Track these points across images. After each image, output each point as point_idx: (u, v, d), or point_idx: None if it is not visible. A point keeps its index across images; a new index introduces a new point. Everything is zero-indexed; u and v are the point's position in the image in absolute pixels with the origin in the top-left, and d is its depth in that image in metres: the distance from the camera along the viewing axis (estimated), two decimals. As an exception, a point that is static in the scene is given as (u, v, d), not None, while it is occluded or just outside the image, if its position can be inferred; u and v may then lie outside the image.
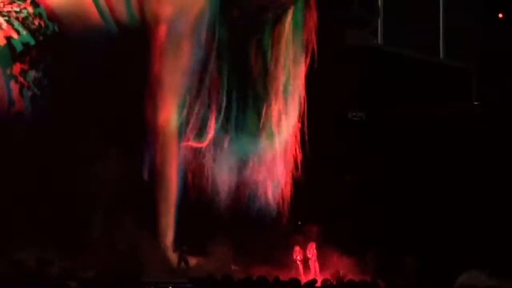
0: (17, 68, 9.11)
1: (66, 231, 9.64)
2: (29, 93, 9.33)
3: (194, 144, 10.18)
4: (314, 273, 10.87)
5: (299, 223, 11.18)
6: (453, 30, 14.05)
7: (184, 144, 10.06)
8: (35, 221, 9.51)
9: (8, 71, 9.07)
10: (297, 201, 10.93)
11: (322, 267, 10.95)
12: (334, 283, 9.89)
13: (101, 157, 9.84)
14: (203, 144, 10.20)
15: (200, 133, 10.23)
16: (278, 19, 10.47)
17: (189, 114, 10.04)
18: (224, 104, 10.34)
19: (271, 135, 10.52)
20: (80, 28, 9.37)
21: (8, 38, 8.81)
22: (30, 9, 9.02)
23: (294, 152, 10.71)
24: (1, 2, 9.01)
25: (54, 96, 9.59)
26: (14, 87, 9.11)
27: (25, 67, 9.15)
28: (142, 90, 9.82)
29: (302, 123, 10.63)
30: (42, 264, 8.98)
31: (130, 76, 9.69)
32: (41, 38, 8.95)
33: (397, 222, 11.98)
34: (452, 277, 10.09)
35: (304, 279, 10.03)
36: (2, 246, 9.27)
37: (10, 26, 8.87)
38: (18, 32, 9.26)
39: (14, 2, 8.96)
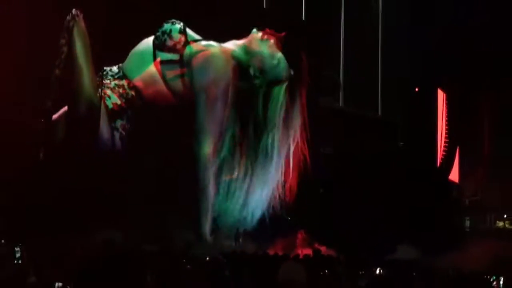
0: (110, 118, 9.12)
1: (144, 219, 9.39)
2: (118, 134, 9.28)
3: (228, 177, 9.95)
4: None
5: (289, 218, 11.03)
6: (387, 95, 14.31)
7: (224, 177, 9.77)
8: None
9: (104, 120, 9.03)
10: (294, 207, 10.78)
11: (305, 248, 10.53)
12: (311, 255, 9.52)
13: (166, 174, 9.78)
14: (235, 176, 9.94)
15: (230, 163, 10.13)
16: (278, 87, 10.09)
17: (222, 150, 9.93)
18: (242, 142, 10.08)
19: (277, 165, 10.18)
20: (150, 94, 9.24)
21: (104, 99, 8.83)
22: (118, 82, 9.11)
23: (292, 172, 10.43)
24: (100, 76, 9.04)
25: (134, 137, 9.54)
26: (108, 130, 9.12)
27: (115, 117, 9.17)
28: (191, 134, 9.78)
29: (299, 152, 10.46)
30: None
31: (183, 125, 9.74)
32: (124, 100, 8.97)
33: (352, 220, 11.79)
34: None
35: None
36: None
37: (105, 92, 8.94)
38: (109, 96, 9.16)
39: (107, 76, 9.08)
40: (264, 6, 12.38)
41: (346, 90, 13.64)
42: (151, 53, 9.48)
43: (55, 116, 8.96)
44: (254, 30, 10.04)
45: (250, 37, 10.04)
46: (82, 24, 8.57)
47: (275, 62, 9.88)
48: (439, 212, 13.21)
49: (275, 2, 12.45)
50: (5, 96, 8.30)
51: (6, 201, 8.14)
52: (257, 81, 9.93)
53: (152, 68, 9.52)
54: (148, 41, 9.69)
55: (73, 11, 8.51)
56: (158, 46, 9.32)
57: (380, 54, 14.36)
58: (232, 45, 10.40)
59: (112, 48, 8.98)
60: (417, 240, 10.50)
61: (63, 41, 8.60)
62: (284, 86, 10.13)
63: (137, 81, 9.50)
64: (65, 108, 8.88)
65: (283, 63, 9.97)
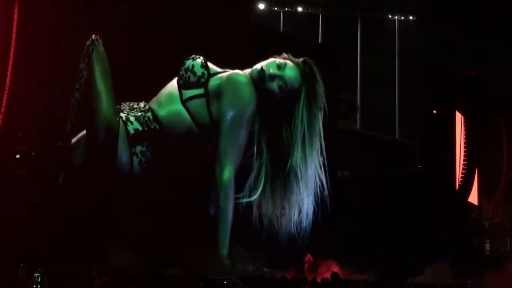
0: (130, 143, 8.85)
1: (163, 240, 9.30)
2: (137, 160, 9.06)
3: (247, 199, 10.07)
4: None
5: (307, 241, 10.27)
6: (405, 118, 14.46)
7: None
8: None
9: (124, 145, 8.87)
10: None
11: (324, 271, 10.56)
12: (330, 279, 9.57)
13: (186, 195, 9.48)
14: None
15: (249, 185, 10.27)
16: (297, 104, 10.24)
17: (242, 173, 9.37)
18: (263, 165, 9.47)
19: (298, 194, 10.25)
20: (177, 130, 9.55)
21: (126, 124, 8.75)
22: (143, 114, 9.23)
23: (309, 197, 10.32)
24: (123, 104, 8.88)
25: (154, 162, 9.12)
26: (127, 155, 8.86)
27: (136, 143, 8.95)
28: (213, 158, 9.34)
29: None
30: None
31: (204, 150, 9.29)
32: (146, 128, 9.21)
33: (368, 240, 11.89)
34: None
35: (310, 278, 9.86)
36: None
37: (127, 118, 9.15)
38: (132, 122, 9.16)
39: (133, 108, 9.16)
40: (281, 30, 12.72)
41: (363, 112, 13.78)
42: (178, 93, 9.58)
43: (74, 140, 9.03)
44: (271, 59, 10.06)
45: (267, 61, 10.05)
46: (102, 49, 8.67)
47: (292, 80, 9.87)
48: (459, 235, 13.13)
49: (292, 26, 12.76)
50: (25, 119, 8.43)
51: (24, 225, 8.21)
52: (274, 84, 9.76)
53: (179, 107, 9.63)
54: (174, 82, 9.81)
55: (93, 36, 8.63)
56: (183, 85, 9.45)
57: (397, 76, 14.43)
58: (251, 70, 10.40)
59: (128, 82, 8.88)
60: (437, 264, 10.45)
61: (83, 65, 8.70)
62: (301, 103, 9.99)
63: (164, 117, 9.51)
64: (84, 132, 8.93)
65: (300, 81, 9.95)
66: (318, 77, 9.96)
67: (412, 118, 14.27)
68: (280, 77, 9.64)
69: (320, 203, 9.87)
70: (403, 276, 9.82)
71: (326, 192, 9.94)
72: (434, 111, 14.13)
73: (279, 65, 9.77)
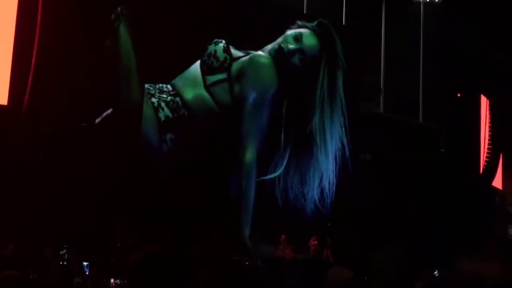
0: (161, 130, 9.20)
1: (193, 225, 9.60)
2: (166, 148, 9.34)
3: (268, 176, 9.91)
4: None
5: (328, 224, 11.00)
6: (429, 101, 14.29)
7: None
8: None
9: (155, 132, 9.14)
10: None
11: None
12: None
13: (210, 181, 9.95)
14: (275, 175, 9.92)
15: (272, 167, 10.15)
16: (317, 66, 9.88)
17: (264, 153, 9.98)
18: (286, 145, 9.99)
19: (319, 168, 10.09)
20: (202, 114, 9.40)
21: (157, 110, 9.00)
22: (173, 98, 9.29)
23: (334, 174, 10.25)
24: (151, 87, 9.19)
25: (182, 150, 9.63)
26: (158, 142, 9.23)
27: (166, 131, 9.27)
28: (234, 140, 9.90)
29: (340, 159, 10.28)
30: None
31: (225, 133, 9.86)
32: (176, 115, 9.18)
33: (389, 225, 11.76)
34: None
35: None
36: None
37: (159, 104, 9.17)
38: (163, 108, 9.29)
39: (163, 91, 9.25)
40: (305, 11, 12.62)
41: (387, 95, 13.65)
42: (201, 78, 9.73)
43: (98, 120, 9.16)
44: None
45: (283, 36, 10.02)
46: (128, 24, 8.63)
47: (312, 49, 9.76)
48: (483, 220, 13.07)
49: (316, 7, 12.69)
50: (50, 99, 8.55)
51: (51, 203, 8.36)
52: (295, 59, 9.79)
53: (203, 92, 9.79)
54: (198, 67, 9.92)
55: (118, 9, 8.53)
56: (207, 71, 9.60)
57: (421, 59, 14.36)
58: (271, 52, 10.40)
59: (155, 61, 9.09)
60: (462, 248, 10.49)
61: (108, 42, 8.69)
62: (322, 67, 10.00)
63: (190, 101, 9.73)
64: (108, 111, 9.06)
65: (319, 47, 9.82)
66: (335, 35, 9.98)
67: (436, 101, 14.16)
68: (300, 50, 9.73)
69: (341, 165, 10.17)
70: (423, 262, 9.85)
71: (347, 153, 10.11)
72: (459, 94, 14.04)
73: (295, 37, 9.83)
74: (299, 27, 10.15)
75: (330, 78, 10.26)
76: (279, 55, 9.91)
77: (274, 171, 9.94)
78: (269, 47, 10.11)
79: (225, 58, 9.79)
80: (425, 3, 14.79)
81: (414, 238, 11.49)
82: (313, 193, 10.19)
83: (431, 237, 11.79)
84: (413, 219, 12.08)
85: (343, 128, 9.92)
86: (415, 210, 12.25)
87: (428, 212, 12.32)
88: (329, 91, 10.04)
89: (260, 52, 10.15)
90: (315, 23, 9.89)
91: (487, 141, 14.29)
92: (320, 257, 10.41)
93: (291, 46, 9.93)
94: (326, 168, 10.09)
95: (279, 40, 10.15)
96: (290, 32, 10.03)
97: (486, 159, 14.21)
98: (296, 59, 10.38)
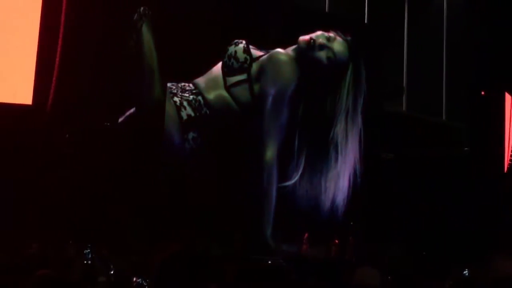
0: (183, 129, 9.25)
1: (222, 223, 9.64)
2: (189, 147, 9.37)
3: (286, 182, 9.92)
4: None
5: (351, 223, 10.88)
6: (452, 99, 14.21)
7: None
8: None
9: (177, 131, 9.20)
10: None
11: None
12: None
13: (231, 179, 10.06)
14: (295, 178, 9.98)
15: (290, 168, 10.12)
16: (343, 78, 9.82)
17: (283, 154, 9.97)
18: (301, 151, 10.00)
19: (335, 169, 10.07)
20: (224, 114, 9.44)
21: (179, 109, 9.07)
22: (195, 97, 9.29)
23: (353, 175, 10.15)
24: (173, 86, 9.25)
25: (204, 149, 9.66)
26: (180, 140, 9.28)
27: (188, 130, 9.30)
28: (255, 139, 9.87)
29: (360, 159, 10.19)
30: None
31: (246, 132, 9.89)
32: (198, 114, 9.34)
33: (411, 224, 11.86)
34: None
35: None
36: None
37: (181, 103, 9.30)
38: (185, 107, 9.33)
39: (185, 90, 9.32)
40: (326, 10, 12.60)
41: (410, 94, 13.56)
42: (222, 79, 9.79)
43: (121, 119, 9.25)
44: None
45: (316, 33, 9.99)
46: (151, 24, 8.70)
47: (341, 54, 9.73)
48: (507, 218, 12.80)
49: (337, 6, 12.66)
50: (74, 98, 8.64)
51: (74, 202, 8.46)
52: (323, 54, 9.80)
53: (224, 93, 9.84)
54: (219, 68, 9.99)
55: (141, 9, 8.60)
56: (227, 72, 9.64)
57: (445, 57, 14.27)
58: (291, 51, 10.39)
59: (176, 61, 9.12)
60: (491, 247, 10.39)
61: (131, 42, 8.75)
62: (348, 78, 10.06)
63: (211, 101, 9.81)
64: (131, 110, 9.13)
65: (348, 57, 9.85)
66: (362, 62, 9.99)
67: (459, 99, 14.06)
68: (329, 48, 9.72)
69: (353, 182, 9.97)
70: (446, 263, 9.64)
71: (358, 172, 10.08)
72: (482, 92, 13.93)
73: (328, 37, 9.83)
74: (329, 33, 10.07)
75: (354, 92, 10.22)
76: (308, 45, 9.83)
77: (290, 179, 9.94)
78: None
79: (245, 59, 9.80)
80: (448, 0, 14.69)
81: (438, 236, 11.55)
82: (332, 193, 10.18)
83: (458, 235, 11.75)
84: (435, 217, 12.08)
85: (358, 149, 9.85)
86: (438, 208, 12.24)
87: (452, 210, 12.29)
88: (353, 104, 10.01)
89: (279, 49, 10.17)
90: (349, 38, 9.88)
91: (511, 140, 14.22)
92: (342, 257, 10.41)
93: (323, 41, 9.89)
94: (342, 179, 10.07)
95: (310, 34, 10.07)
96: (321, 32, 10.02)
97: (511, 158, 14.10)
98: (323, 55, 10.33)
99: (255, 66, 9.60)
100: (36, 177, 8.48)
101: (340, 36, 9.89)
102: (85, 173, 8.64)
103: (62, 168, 8.67)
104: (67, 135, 8.79)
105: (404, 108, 13.58)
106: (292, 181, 9.88)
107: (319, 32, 9.91)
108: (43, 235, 7.96)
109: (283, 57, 9.68)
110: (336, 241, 10.60)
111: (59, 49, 8.49)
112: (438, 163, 12.84)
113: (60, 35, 8.55)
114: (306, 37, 9.96)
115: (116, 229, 8.43)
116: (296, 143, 9.99)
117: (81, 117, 8.72)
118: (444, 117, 14.22)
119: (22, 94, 8.59)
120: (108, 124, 9.11)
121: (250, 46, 9.73)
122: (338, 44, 9.77)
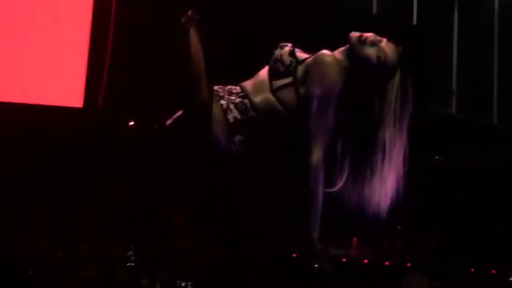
0: (229, 131, 9.52)
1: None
2: (235, 149, 9.67)
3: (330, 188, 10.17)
4: None
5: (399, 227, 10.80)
6: (503, 101, 14.04)
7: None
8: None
9: (224, 133, 9.50)
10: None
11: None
12: None
13: (279, 182, 10.01)
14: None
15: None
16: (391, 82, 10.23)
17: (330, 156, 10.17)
18: (343, 157, 10.23)
19: (382, 172, 10.22)
20: (270, 119, 9.75)
21: (226, 112, 9.31)
22: (242, 100, 9.58)
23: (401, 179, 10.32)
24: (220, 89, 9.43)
25: (251, 151, 9.95)
26: (226, 142, 9.46)
27: (235, 132, 9.60)
28: (301, 142, 10.19)
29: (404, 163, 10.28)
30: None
31: (292, 135, 10.10)
32: (244, 117, 9.47)
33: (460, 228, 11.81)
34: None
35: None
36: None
37: (228, 106, 9.40)
38: (231, 110, 9.38)
39: (231, 93, 9.50)
40: (374, 11, 12.57)
41: (459, 96, 13.43)
42: (268, 83, 9.81)
43: (168, 122, 9.35)
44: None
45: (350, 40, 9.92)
46: (198, 26, 8.77)
47: (390, 56, 9.69)
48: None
49: (385, 7, 12.60)
50: (124, 99, 8.79)
51: (122, 203, 8.62)
52: (372, 51, 9.72)
53: (270, 96, 9.86)
54: (266, 71, 10.03)
55: (189, 12, 8.70)
56: (273, 76, 9.62)
57: (496, 58, 14.08)
58: (338, 53, 10.36)
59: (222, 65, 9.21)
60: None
61: (179, 45, 8.86)
62: (396, 82, 9.91)
63: (258, 104, 9.85)
64: (179, 113, 9.23)
65: (397, 61, 9.79)
66: (411, 66, 9.90)
67: (510, 101, 13.85)
68: (380, 48, 9.62)
69: (401, 186, 10.21)
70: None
71: (406, 176, 9.88)
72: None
73: (380, 39, 9.79)
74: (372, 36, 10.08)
75: (402, 97, 10.06)
76: (359, 40, 9.82)
77: (334, 185, 9.84)
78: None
79: (291, 62, 9.75)
80: (500, 1, 14.47)
81: (487, 240, 11.47)
82: (378, 197, 10.05)
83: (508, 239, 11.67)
84: (485, 220, 11.93)
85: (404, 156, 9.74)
86: (487, 213, 12.11)
87: (503, 214, 12.16)
88: (401, 110, 9.86)
89: (325, 51, 10.08)
90: (400, 49, 9.82)
91: None
92: (391, 261, 10.41)
93: (374, 39, 9.87)
94: (391, 175, 9.92)
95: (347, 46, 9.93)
96: (373, 34, 9.97)
97: None
98: (373, 53, 10.18)
99: (300, 69, 9.57)
100: (89, 178, 8.67)
101: (392, 43, 9.90)
102: (133, 175, 8.78)
103: (112, 170, 8.82)
104: (118, 137, 8.91)
105: (453, 111, 13.46)
106: (336, 188, 9.79)
107: (371, 33, 9.88)
108: (93, 236, 8.12)
109: (328, 58, 9.61)
110: (386, 245, 10.63)
111: (108, 53, 8.64)
112: (488, 166, 12.72)
113: (110, 40, 8.69)
114: (357, 33, 9.95)
115: (163, 231, 8.53)
116: (340, 146, 9.91)
117: (130, 120, 8.85)
118: (494, 119, 14.05)
119: (73, 97, 8.76)
120: (157, 127, 9.24)
121: (296, 49, 9.74)
122: (389, 47, 9.73)
